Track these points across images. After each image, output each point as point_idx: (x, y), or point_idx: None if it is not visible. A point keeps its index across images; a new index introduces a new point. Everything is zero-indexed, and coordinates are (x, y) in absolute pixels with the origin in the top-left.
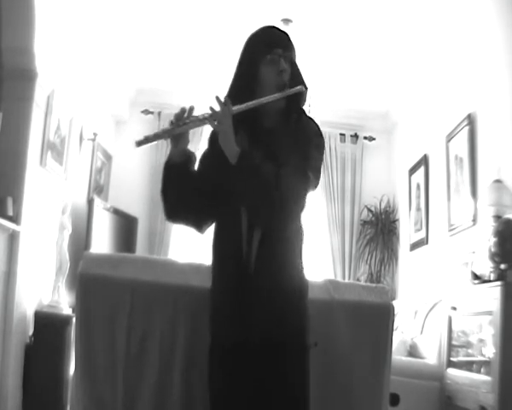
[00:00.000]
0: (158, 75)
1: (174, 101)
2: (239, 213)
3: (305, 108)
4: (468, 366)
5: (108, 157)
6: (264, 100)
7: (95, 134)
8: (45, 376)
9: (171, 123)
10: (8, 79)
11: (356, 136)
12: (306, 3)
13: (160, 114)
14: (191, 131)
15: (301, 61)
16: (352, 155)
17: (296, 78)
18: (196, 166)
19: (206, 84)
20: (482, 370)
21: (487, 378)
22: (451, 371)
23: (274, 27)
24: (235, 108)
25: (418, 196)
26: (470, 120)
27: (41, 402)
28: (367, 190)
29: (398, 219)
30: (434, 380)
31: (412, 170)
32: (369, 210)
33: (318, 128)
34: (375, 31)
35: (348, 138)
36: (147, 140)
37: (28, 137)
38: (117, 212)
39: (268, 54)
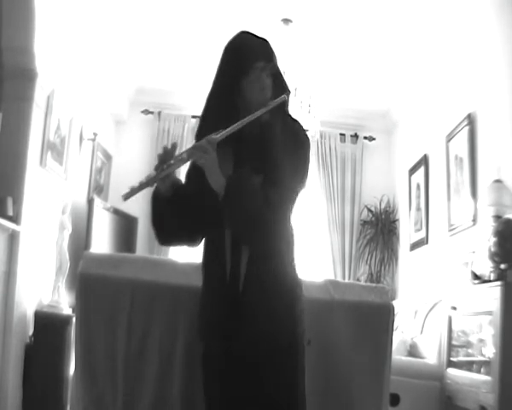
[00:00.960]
0: (158, 75)
1: (174, 101)
2: (223, 236)
3: (305, 108)
4: (468, 365)
5: (108, 157)
6: (250, 118)
7: (95, 134)
8: (45, 376)
9: (156, 168)
10: (8, 78)
11: (356, 136)
12: (306, 3)
13: (159, 114)
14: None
15: (301, 61)
16: (351, 155)
17: (279, 86)
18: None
19: (206, 84)
20: (482, 370)
21: (487, 378)
22: (451, 371)
23: (252, 35)
24: (218, 136)
25: (418, 196)
26: (470, 120)
27: (41, 402)
28: (367, 190)
29: (398, 219)
30: (434, 380)
31: (412, 170)
32: (369, 210)
33: (303, 129)
34: (374, 31)
35: (348, 138)
36: (133, 192)
37: (28, 137)
38: (117, 212)
39: (249, 69)
